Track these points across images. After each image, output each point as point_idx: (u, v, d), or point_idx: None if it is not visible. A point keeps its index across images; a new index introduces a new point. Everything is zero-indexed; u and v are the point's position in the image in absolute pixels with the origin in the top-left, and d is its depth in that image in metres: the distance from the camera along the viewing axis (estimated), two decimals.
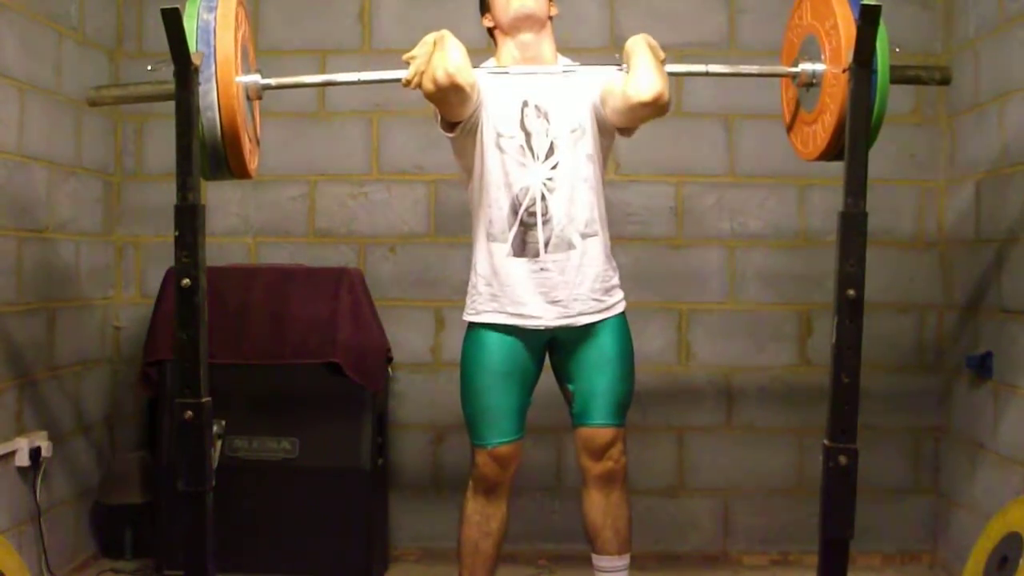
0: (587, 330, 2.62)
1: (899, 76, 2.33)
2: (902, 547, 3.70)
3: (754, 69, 2.67)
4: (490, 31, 2.73)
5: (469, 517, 2.68)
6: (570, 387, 2.68)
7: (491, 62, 2.69)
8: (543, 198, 2.55)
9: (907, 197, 3.70)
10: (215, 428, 2.17)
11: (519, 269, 2.57)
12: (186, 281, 2.08)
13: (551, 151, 2.56)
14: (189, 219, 2.08)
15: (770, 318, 3.72)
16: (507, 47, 2.65)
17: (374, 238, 3.76)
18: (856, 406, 2.09)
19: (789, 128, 2.65)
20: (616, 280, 2.69)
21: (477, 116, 2.56)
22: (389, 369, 3.55)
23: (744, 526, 3.73)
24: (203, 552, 2.13)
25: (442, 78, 2.38)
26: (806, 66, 2.41)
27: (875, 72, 2.20)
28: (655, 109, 2.42)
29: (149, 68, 2.26)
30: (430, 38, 2.48)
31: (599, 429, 2.63)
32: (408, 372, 3.74)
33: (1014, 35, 3.12)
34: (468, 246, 2.68)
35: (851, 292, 2.09)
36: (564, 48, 3.82)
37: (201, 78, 2.13)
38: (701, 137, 3.73)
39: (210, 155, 2.22)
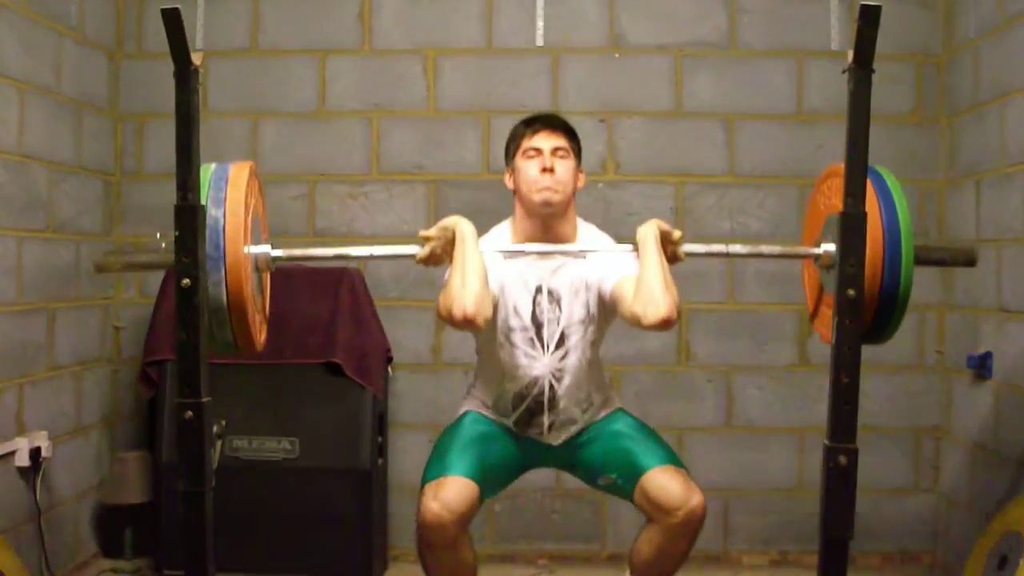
0: (590, 432, 2.57)
1: (924, 258, 2.27)
2: (902, 547, 3.70)
3: (776, 250, 2.59)
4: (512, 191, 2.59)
5: (431, 568, 2.45)
6: (607, 474, 2.52)
7: (506, 226, 2.60)
8: (551, 387, 2.50)
9: (907, 197, 3.68)
10: (215, 428, 2.17)
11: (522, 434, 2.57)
12: (186, 281, 2.08)
13: (561, 341, 2.50)
14: (189, 219, 2.08)
15: (770, 318, 3.72)
16: (525, 222, 2.53)
17: (374, 238, 3.76)
18: (856, 406, 2.09)
19: (812, 315, 2.51)
20: (612, 395, 2.66)
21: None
22: (389, 369, 3.55)
23: (744, 526, 3.73)
24: (203, 552, 2.13)
25: (458, 318, 2.29)
26: (829, 247, 2.26)
27: (900, 257, 2.16)
28: (662, 330, 2.33)
29: (158, 237, 2.23)
30: (449, 223, 2.39)
31: (655, 471, 2.41)
32: (408, 372, 3.74)
33: (1014, 35, 3.12)
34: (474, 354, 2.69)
35: (851, 292, 2.09)
36: (564, 48, 3.84)
37: (209, 245, 2.09)
38: (701, 137, 3.73)
39: (216, 327, 2.16)
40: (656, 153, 3.73)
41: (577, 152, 2.56)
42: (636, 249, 2.39)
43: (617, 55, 3.72)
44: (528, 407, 2.52)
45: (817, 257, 2.32)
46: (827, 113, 3.65)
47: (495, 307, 2.44)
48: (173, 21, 2.01)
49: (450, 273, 2.36)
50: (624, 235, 3.68)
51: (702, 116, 3.72)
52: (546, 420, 2.52)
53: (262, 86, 3.77)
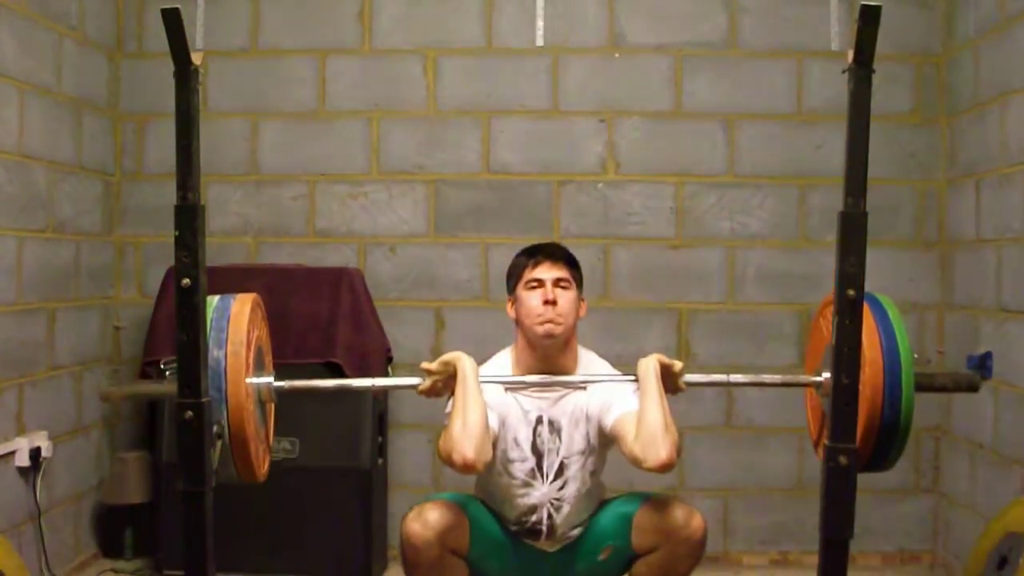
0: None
1: (926, 384, 2.27)
2: (902, 547, 3.70)
3: (777, 379, 2.59)
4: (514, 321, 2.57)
5: None
6: (604, 545, 2.51)
7: (507, 355, 2.59)
8: (549, 516, 2.50)
9: (907, 197, 3.70)
10: (215, 428, 2.17)
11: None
12: (186, 281, 2.07)
13: (560, 471, 2.49)
14: (189, 219, 2.08)
15: (770, 318, 3.72)
16: (526, 352, 2.52)
17: (374, 238, 3.76)
18: (856, 406, 2.09)
19: (816, 443, 2.49)
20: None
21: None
22: (389, 369, 3.55)
23: (744, 526, 3.73)
24: (203, 552, 2.13)
25: (458, 464, 2.28)
26: (828, 375, 2.21)
27: (900, 386, 2.17)
28: (661, 473, 2.32)
29: (162, 365, 2.23)
30: (451, 359, 2.40)
31: (648, 503, 2.46)
32: (408, 372, 3.73)
33: (1014, 35, 3.12)
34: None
35: (851, 292, 2.09)
36: (564, 48, 3.84)
37: (211, 374, 2.10)
38: (701, 137, 3.73)
39: (220, 467, 2.16)
40: (656, 153, 3.73)
41: (579, 282, 2.56)
42: (636, 379, 2.39)
43: (617, 55, 3.72)
44: (528, 529, 2.52)
45: (818, 385, 2.33)
46: (827, 113, 3.65)
47: (495, 440, 2.43)
48: (173, 21, 2.01)
49: (451, 415, 2.36)
50: (624, 235, 3.71)
51: (702, 116, 3.72)
52: (544, 541, 2.53)
53: (262, 86, 3.77)
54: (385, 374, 3.50)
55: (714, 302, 3.73)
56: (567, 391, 2.50)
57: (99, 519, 3.61)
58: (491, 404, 2.40)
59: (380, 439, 3.45)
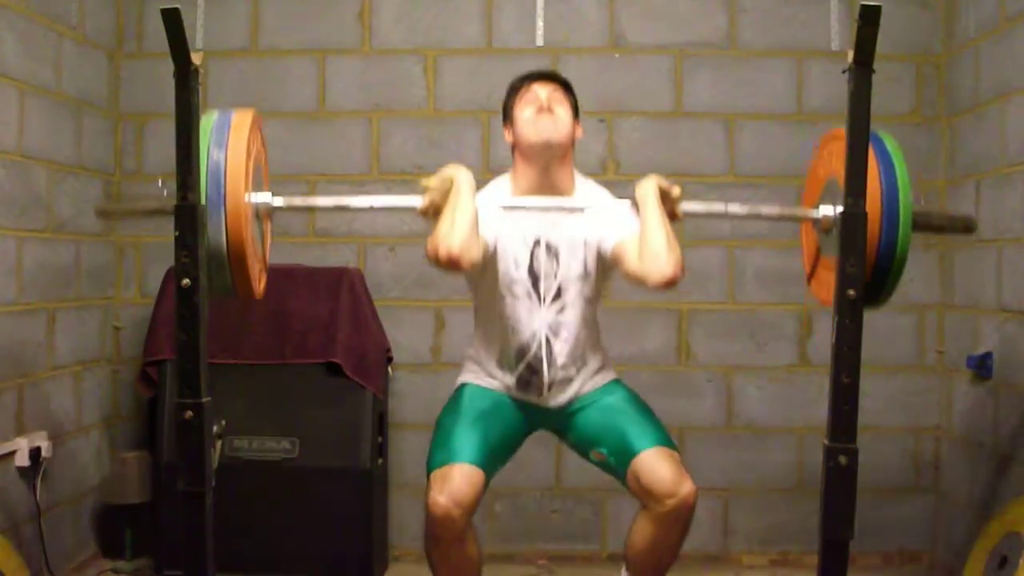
0: (587, 399, 2.57)
1: (923, 224, 2.27)
2: (902, 547, 3.70)
3: (775, 211, 2.58)
4: (511, 146, 2.60)
5: (437, 562, 2.45)
6: (598, 449, 2.51)
7: (506, 179, 2.61)
8: (548, 341, 2.51)
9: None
10: (215, 428, 2.17)
11: (518, 395, 2.57)
12: (186, 281, 2.08)
13: (558, 295, 2.50)
14: (189, 219, 2.08)
15: (770, 318, 3.72)
16: (524, 172, 2.54)
17: (374, 238, 3.76)
18: (856, 406, 2.09)
19: (809, 277, 2.53)
20: (607, 366, 2.65)
21: (487, 262, 2.47)
22: (389, 369, 3.55)
23: (744, 526, 3.73)
24: (203, 552, 2.13)
25: (444, 258, 2.27)
26: (828, 210, 2.31)
27: (897, 221, 2.17)
28: (667, 288, 2.34)
29: (160, 183, 2.23)
30: (448, 172, 2.41)
31: (648, 453, 2.40)
32: (408, 372, 3.74)
33: (1014, 35, 3.12)
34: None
35: (851, 292, 2.09)
36: (564, 48, 3.85)
37: (210, 190, 2.10)
38: (701, 137, 3.73)
39: (215, 273, 2.16)
40: (656, 153, 3.73)
41: (574, 106, 2.58)
42: (635, 206, 2.40)
43: (617, 55, 3.73)
44: (529, 364, 2.52)
45: (816, 220, 2.34)
46: (827, 113, 3.65)
47: (495, 259, 2.47)
48: (173, 21, 2.01)
49: (440, 217, 2.35)
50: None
51: (702, 116, 3.72)
52: (546, 379, 2.52)
53: (262, 86, 3.77)
54: (385, 374, 3.50)
55: (714, 302, 3.73)
56: (565, 215, 2.51)
57: (99, 519, 3.61)
58: (488, 223, 2.40)
59: (380, 439, 3.45)
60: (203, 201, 2.10)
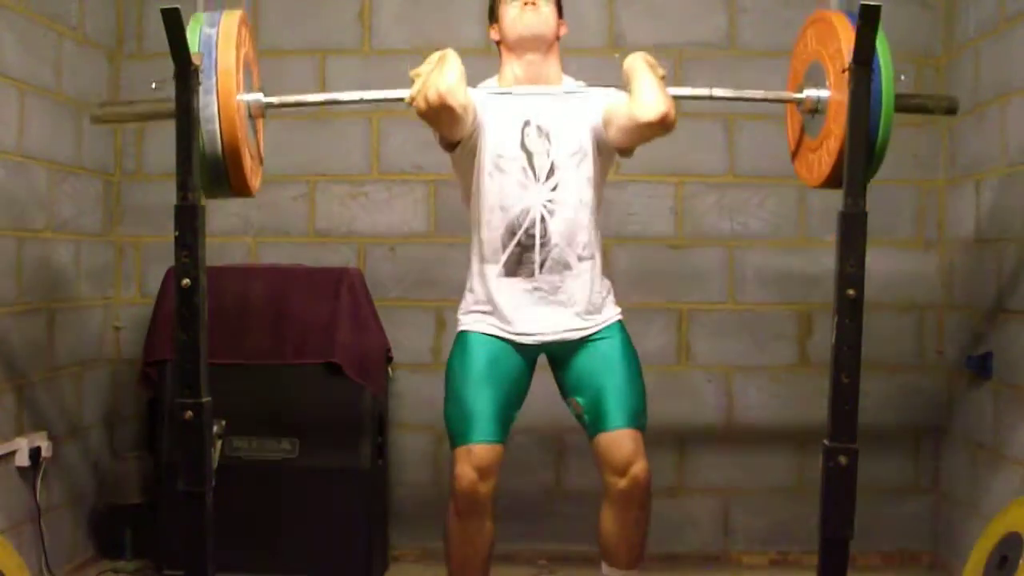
0: (583, 342, 2.59)
1: (904, 105, 2.33)
2: (902, 547, 3.70)
3: (759, 94, 2.64)
4: (497, 44, 2.68)
5: (453, 537, 2.57)
6: (578, 399, 2.59)
7: (493, 81, 2.67)
8: (542, 220, 2.52)
9: (907, 197, 3.70)
10: (215, 428, 2.17)
11: (512, 288, 2.55)
12: (186, 281, 2.08)
13: (551, 172, 2.52)
14: (189, 219, 2.09)
15: (770, 318, 3.72)
16: (510, 65, 2.62)
17: (374, 238, 3.76)
18: (856, 406, 2.09)
19: (794, 155, 2.64)
20: (610, 298, 2.66)
21: (476, 137, 2.54)
22: (389, 369, 3.55)
23: (744, 526, 3.73)
24: (203, 552, 2.13)
25: (433, 97, 2.35)
26: (811, 92, 2.41)
27: (880, 104, 2.21)
28: (661, 128, 2.37)
29: (153, 86, 2.25)
30: (435, 56, 2.45)
31: (616, 433, 2.50)
32: (408, 372, 3.74)
33: (1014, 35, 3.12)
34: (468, 246, 2.68)
35: (851, 292, 2.09)
36: (563, 49, 3.83)
37: (202, 91, 2.14)
38: (701, 137, 3.72)
39: (211, 172, 2.21)
40: (656, 153, 3.69)
41: (559, 6, 2.65)
42: (623, 81, 2.48)
43: (617, 55, 3.72)
44: (519, 242, 2.53)
45: (800, 102, 2.44)
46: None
47: (483, 134, 2.52)
48: (173, 21, 2.01)
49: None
50: (624, 235, 3.71)
51: (702, 116, 3.72)
52: (537, 257, 2.52)
53: (261, 86, 3.76)
54: (385, 374, 3.50)
55: (714, 302, 3.73)
56: (554, 99, 2.58)
57: (99, 519, 3.61)
58: (477, 106, 2.49)
59: (380, 439, 3.45)
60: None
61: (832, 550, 2.14)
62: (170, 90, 2.12)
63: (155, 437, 3.45)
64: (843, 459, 2.08)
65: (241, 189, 2.31)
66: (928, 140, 3.70)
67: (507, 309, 2.56)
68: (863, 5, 2.05)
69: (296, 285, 3.41)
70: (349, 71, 3.77)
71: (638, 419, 2.56)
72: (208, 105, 2.16)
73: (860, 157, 2.12)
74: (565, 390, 2.65)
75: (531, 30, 2.55)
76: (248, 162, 2.30)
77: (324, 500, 3.30)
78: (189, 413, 2.10)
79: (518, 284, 2.55)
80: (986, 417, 3.28)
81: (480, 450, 2.47)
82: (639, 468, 2.48)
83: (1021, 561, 2.49)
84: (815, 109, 2.41)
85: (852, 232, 2.11)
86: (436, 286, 3.72)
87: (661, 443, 3.71)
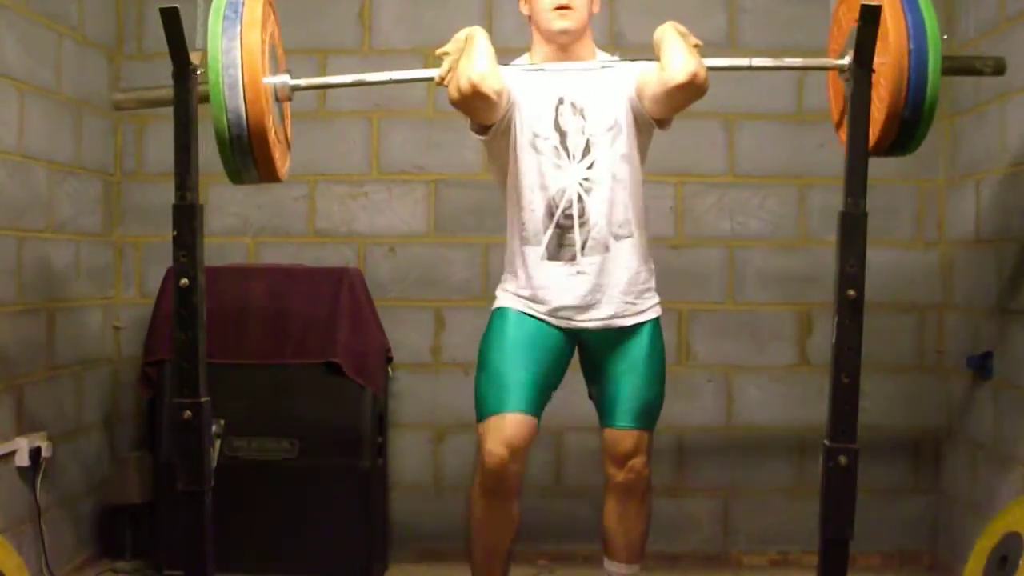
0: (619, 333, 2.55)
1: (952, 67, 2.24)
2: (902, 547, 3.69)
3: (798, 62, 2.58)
4: (528, 17, 2.61)
5: (477, 522, 2.54)
6: (596, 389, 2.62)
7: (524, 58, 2.62)
8: (580, 199, 2.48)
9: (907, 197, 3.70)
10: (215, 428, 2.17)
11: (554, 272, 2.51)
12: (185, 281, 2.08)
13: (587, 150, 2.49)
14: (188, 219, 2.09)
15: (770, 318, 3.72)
16: (544, 46, 2.56)
17: (374, 238, 3.76)
18: (856, 406, 2.09)
19: (837, 124, 2.54)
20: (652, 283, 2.61)
21: (510, 117, 2.49)
22: (389, 369, 3.55)
23: (744, 526, 3.73)
24: (203, 552, 2.13)
25: (465, 86, 2.31)
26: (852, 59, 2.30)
27: (927, 66, 2.14)
28: (693, 90, 2.33)
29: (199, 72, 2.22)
30: (463, 34, 2.42)
31: (621, 432, 2.54)
32: (408, 372, 3.74)
33: (1014, 35, 3.12)
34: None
35: (851, 292, 2.09)
36: None
37: (226, 76, 2.09)
38: (701, 137, 3.72)
39: (238, 158, 2.17)
40: (656, 153, 3.68)
41: None
42: (655, 55, 2.43)
43: (617, 55, 3.72)
44: (558, 223, 2.49)
45: (841, 68, 2.30)
46: (827, 113, 3.63)
47: (516, 114, 2.47)
48: (172, 21, 2.01)
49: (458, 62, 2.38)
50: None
51: (702, 116, 3.71)
52: (578, 238, 2.48)
53: None
54: (385, 374, 3.50)
55: (714, 302, 3.73)
56: (587, 75, 2.53)
57: (99, 519, 3.61)
58: (510, 84, 2.43)
59: (380, 439, 3.45)
60: (221, 84, 2.08)
61: (832, 550, 2.14)
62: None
63: (155, 437, 3.45)
64: (843, 459, 2.08)
65: (269, 175, 2.27)
66: (928, 139, 3.65)
67: (549, 294, 2.52)
68: (863, 5, 2.05)
69: (296, 285, 3.41)
70: (349, 71, 3.75)
71: (648, 421, 2.57)
72: (235, 89, 2.11)
73: (861, 156, 2.12)
74: (589, 376, 2.66)
75: (564, 29, 2.50)
76: (276, 147, 2.25)
77: (324, 500, 3.30)
78: (188, 413, 2.10)
79: (561, 269, 2.51)
80: (986, 417, 3.28)
81: (514, 419, 2.42)
82: (639, 461, 2.54)
83: (1021, 561, 2.49)
84: None
85: (852, 232, 2.11)
86: (436, 286, 3.72)
87: (661, 443, 3.70)
